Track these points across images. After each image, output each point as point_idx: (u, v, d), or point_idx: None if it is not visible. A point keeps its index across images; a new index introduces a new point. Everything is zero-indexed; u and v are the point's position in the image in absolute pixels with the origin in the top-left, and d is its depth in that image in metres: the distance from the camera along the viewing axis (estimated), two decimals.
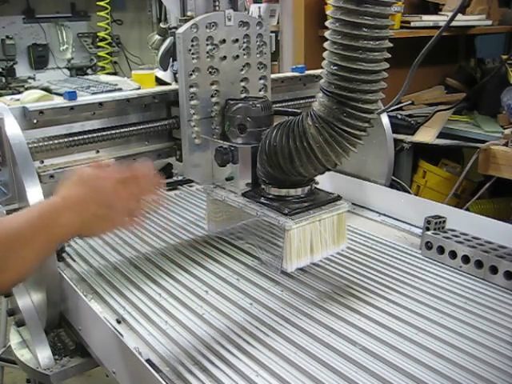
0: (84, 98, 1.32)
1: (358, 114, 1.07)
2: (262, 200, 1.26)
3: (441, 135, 2.58)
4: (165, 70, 1.47)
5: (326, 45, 1.07)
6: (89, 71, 4.50)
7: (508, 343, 1.01)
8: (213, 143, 1.35)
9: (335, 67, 1.06)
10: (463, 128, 2.68)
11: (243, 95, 1.42)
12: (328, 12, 1.06)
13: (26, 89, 1.78)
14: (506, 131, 2.37)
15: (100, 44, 4.26)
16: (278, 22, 2.77)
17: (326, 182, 1.40)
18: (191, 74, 1.32)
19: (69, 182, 0.88)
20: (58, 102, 1.30)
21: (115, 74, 4.43)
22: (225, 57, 1.37)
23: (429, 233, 1.38)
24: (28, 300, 1.22)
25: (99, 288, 1.25)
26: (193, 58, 1.31)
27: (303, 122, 1.14)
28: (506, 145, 2.21)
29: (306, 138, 1.13)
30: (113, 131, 1.34)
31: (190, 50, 1.31)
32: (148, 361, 0.94)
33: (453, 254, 1.31)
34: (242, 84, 1.42)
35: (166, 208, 1.75)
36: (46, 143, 1.25)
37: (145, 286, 1.24)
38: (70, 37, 4.43)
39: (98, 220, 0.87)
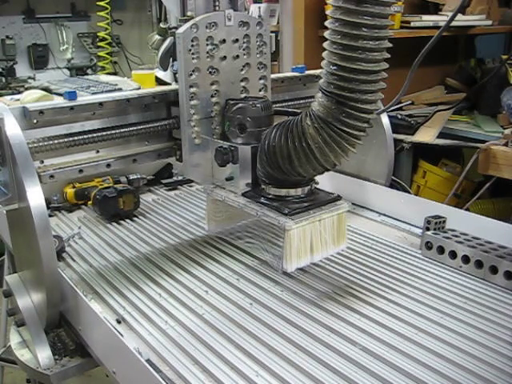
0: (84, 98, 1.32)
1: (357, 115, 1.07)
2: (262, 200, 1.26)
3: (441, 135, 2.58)
4: (165, 70, 1.47)
5: (325, 45, 1.06)
6: (89, 71, 4.49)
7: (508, 343, 1.01)
8: (213, 143, 1.35)
9: (334, 67, 1.05)
10: (463, 128, 2.68)
11: (243, 95, 1.42)
12: (327, 12, 1.06)
13: (26, 89, 1.78)
14: (506, 131, 2.37)
15: (100, 44, 4.26)
16: (277, 22, 2.78)
17: (326, 182, 1.40)
18: (191, 74, 1.32)
19: None
20: (58, 102, 1.29)
21: (115, 74, 4.42)
22: (225, 57, 1.37)
23: (429, 233, 1.38)
24: (28, 300, 1.22)
25: (99, 288, 1.25)
26: (193, 58, 1.31)
27: (302, 122, 1.13)
28: (505, 145, 2.21)
29: (304, 139, 1.13)
30: (113, 131, 1.34)
31: (190, 50, 1.31)
32: (148, 361, 0.95)
33: (453, 254, 1.31)
34: (242, 84, 1.42)
35: (166, 208, 1.75)
36: (45, 143, 1.25)
37: (145, 285, 1.25)
38: (70, 37, 4.42)
39: None
